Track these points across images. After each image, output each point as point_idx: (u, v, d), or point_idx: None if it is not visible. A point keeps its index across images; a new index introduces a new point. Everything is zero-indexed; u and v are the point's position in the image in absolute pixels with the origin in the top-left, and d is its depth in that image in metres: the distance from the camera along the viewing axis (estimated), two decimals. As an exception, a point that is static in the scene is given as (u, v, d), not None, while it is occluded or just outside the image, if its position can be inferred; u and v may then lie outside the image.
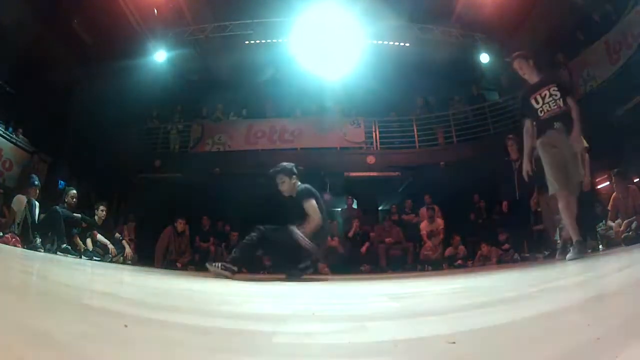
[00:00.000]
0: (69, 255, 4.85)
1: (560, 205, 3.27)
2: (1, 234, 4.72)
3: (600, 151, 4.40)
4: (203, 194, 7.85)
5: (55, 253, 4.75)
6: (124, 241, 6.23)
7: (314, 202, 3.52)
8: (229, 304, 1.59)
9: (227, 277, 3.19)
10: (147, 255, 6.56)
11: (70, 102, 8.04)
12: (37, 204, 5.26)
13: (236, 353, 0.73)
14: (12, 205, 5.13)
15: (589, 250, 3.52)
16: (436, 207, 7.32)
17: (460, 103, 9.72)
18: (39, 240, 4.80)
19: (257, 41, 9.14)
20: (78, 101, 8.06)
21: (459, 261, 6.53)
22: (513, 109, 8.77)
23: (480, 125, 9.04)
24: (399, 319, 1.16)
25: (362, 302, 1.74)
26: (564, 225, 4.55)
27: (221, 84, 9.44)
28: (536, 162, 4.90)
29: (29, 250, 4.41)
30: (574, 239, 3.15)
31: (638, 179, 5.50)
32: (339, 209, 8.63)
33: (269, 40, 9.13)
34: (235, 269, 3.33)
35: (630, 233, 4.43)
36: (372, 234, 7.42)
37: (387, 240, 7.19)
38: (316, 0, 8.16)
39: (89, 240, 5.56)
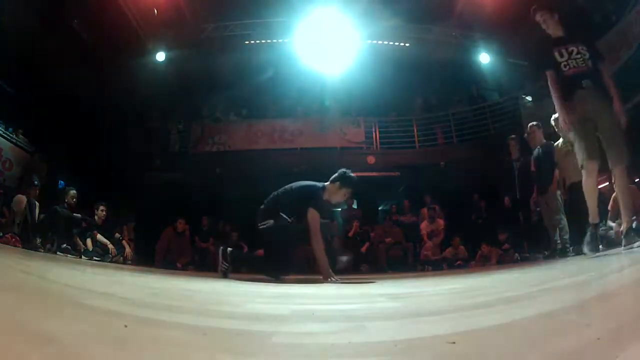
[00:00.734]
0: (69, 255, 4.85)
1: (586, 180, 2.96)
2: (1, 234, 4.72)
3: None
4: (203, 194, 7.85)
5: (55, 253, 4.75)
6: (124, 241, 6.23)
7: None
8: (229, 304, 1.59)
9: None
10: (147, 255, 6.55)
11: (70, 102, 8.02)
12: (37, 204, 5.27)
13: (236, 353, 0.73)
14: (12, 205, 5.14)
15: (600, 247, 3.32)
16: (437, 207, 7.33)
17: (460, 103, 9.74)
18: (39, 240, 4.80)
19: (257, 41, 9.16)
20: (78, 101, 8.05)
21: (459, 261, 6.53)
22: (513, 109, 8.79)
23: (480, 125, 9.04)
24: (398, 319, 1.16)
25: (362, 302, 1.74)
26: (564, 225, 4.56)
27: (221, 84, 9.42)
28: (538, 163, 4.92)
29: (29, 250, 4.40)
30: (621, 223, 2.84)
31: (638, 179, 5.50)
32: (339, 209, 8.63)
33: (269, 40, 9.15)
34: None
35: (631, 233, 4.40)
36: (372, 234, 7.43)
37: (387, 240, 7.20)
38: (317, 0, 8.17)
39: (89, 240, 5.57)
